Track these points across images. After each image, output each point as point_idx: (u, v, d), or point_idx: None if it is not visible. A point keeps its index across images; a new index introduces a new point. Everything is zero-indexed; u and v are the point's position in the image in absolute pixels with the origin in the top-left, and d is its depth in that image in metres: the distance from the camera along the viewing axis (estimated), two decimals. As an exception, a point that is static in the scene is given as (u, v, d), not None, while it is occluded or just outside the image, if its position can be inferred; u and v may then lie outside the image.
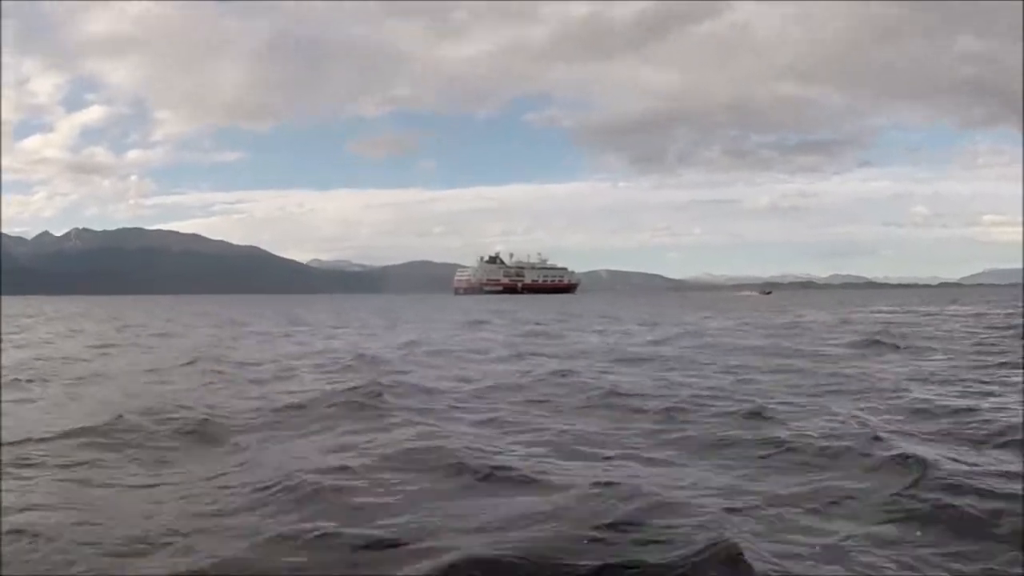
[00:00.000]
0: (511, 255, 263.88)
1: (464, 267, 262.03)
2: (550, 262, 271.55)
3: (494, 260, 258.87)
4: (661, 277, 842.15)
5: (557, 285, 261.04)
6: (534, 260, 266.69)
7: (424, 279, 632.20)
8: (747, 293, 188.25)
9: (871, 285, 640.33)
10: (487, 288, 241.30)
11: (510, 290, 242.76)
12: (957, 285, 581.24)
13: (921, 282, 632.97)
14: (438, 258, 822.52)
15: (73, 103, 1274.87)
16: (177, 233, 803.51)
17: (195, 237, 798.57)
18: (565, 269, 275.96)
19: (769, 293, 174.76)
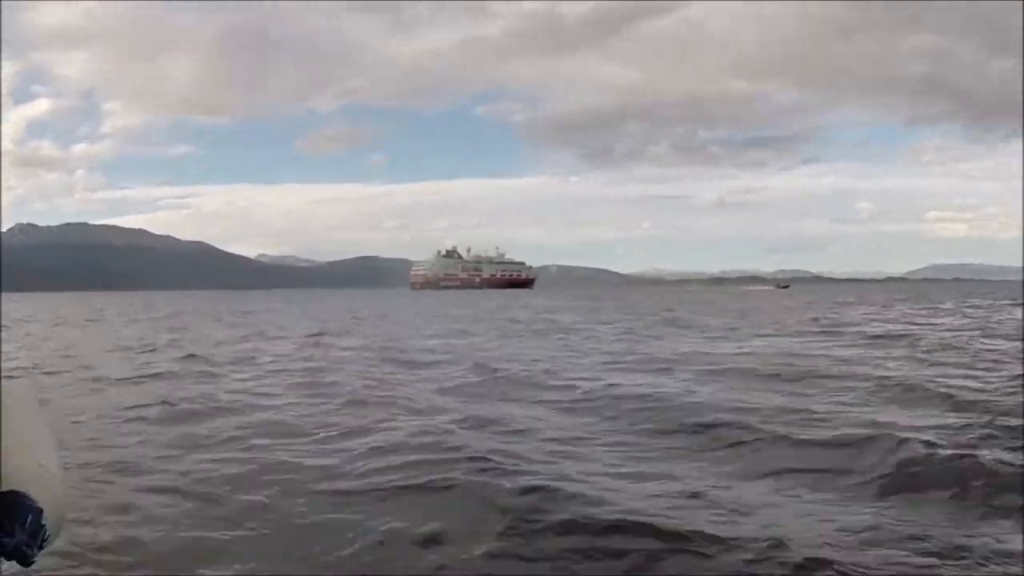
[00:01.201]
0: (468, 249, 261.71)
1: (419, 262, 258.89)
2: (508, 256, 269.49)
3: (451, 254, 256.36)
4: (610, 272, 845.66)
5: (515, 280, 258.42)
6: (491, 254, 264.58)
7: (372, 274, 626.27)
8: (759, 288, 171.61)
9: (818, 280, 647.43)
10: (444, 283, 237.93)
11: (467, 285, 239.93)
12: (903, 280, 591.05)
13: (867, 277, 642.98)
14: (387, 253, 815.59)
15: (20, 96, 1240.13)
16: (123, 228, 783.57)
17: (141, 232, 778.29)
18: (523, 263, 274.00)
19: (787, 287, 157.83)
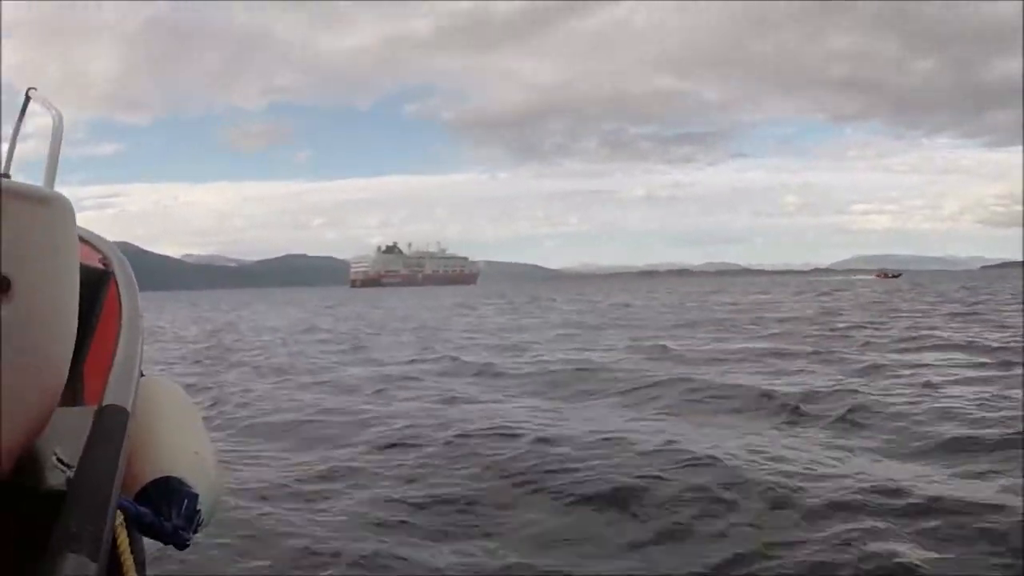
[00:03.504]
0: (409, 244, 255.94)
1: (360, 258, 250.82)
2: (449, 251, 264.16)
3: (392, 250, 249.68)
4: (539, 267, 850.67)
5: (457, 275, 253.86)
6: (433, 250, 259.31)
7: (300, 273, 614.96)
8: (862, 277, 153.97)
9: (746, 272, 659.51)
10: (386, 280, 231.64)
11: (409, 281, 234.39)
12: (828, 271, 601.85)
13: (794, 268, 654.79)
14: (314, 251, 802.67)
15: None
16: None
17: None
18: (466, 259, 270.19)
19: (898, 275, 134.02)
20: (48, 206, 1.10)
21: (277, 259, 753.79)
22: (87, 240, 2.00)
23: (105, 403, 1.17)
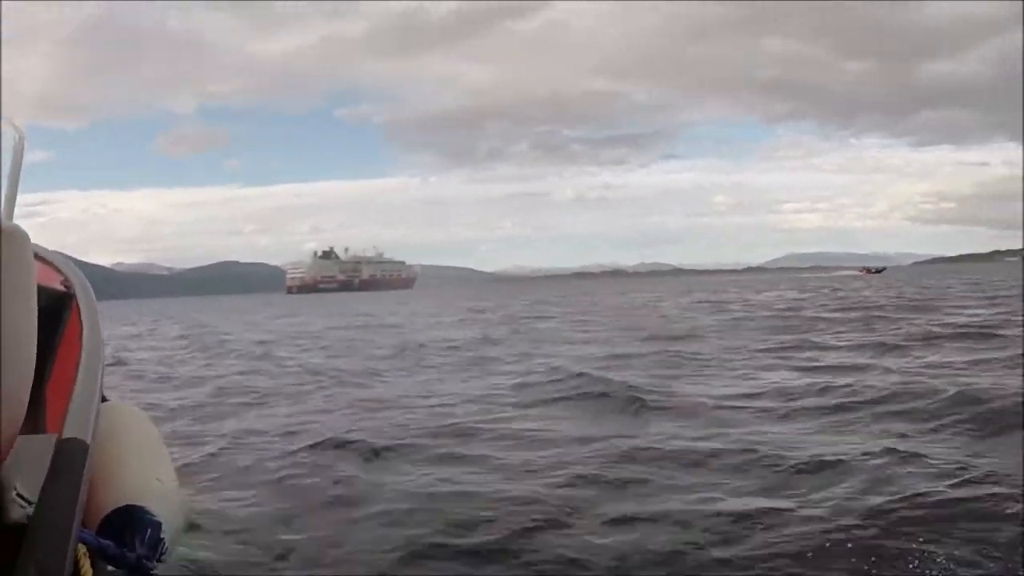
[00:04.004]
0: (346, 249, 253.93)
1: (296, 264, 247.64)
2: (386, 255, 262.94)
3: (328, 255, 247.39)
4: (474, 271, 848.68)
5: (395, 280, 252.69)
6: (370, 254, 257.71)
7: (233, 279, 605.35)
8: (847, 272, 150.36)
9: (679, 272, 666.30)
10: (322, 286, 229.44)
11: (346, 287, 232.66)
12: (761, 269, 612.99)
13: (727, 267, 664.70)
14: (247, 257, 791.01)
15: None
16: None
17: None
18: (403, 263, 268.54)
19: (881, 271, 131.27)
20: (2, 239, 1.14)
21: (210, 266, 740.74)
22: (49, 261, 1.98)
23: (65, 435, 1.15)
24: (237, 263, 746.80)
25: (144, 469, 1.33)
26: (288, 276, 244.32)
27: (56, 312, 1.67)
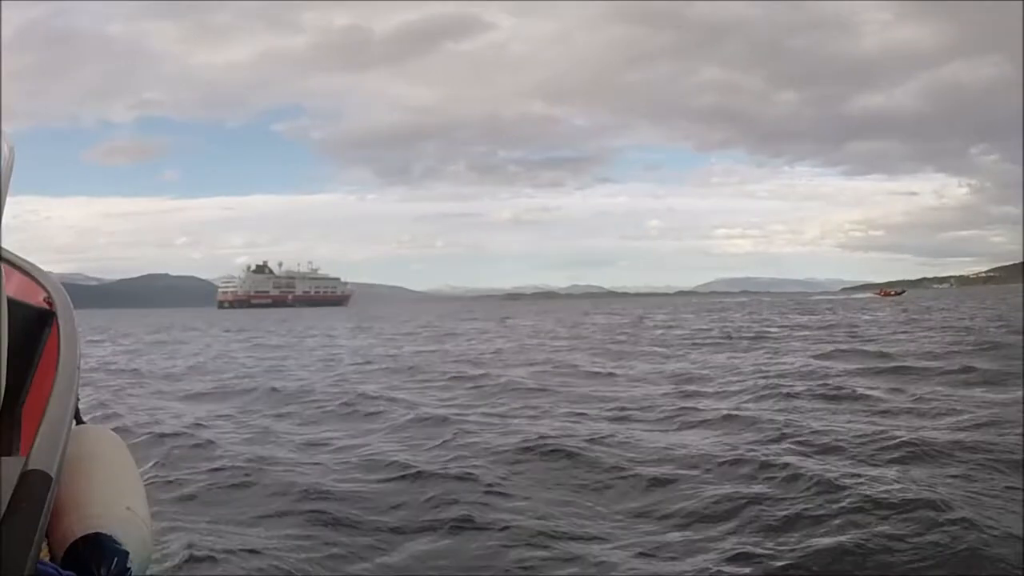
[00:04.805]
0: (280, 264, 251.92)
1: (228, 278, 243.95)
2: (321, 271, 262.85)
3: (262, 270, 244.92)
4: (405, 289, 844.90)
5: (329, 297, 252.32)
6: (304, 270, 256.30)
7: (163, 292, 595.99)
8: (866, 295, 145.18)
9: (611, 294, 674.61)
10: (255, 301, 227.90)
11: (279, 302, 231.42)
12: (692, 293, 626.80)
13: (659, 291, 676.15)
14: (176, 270, 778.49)
15: None
16: None
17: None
18: (337, 279, 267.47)
19: (901, 293, 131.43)
20: None
21: (139, 278, 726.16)
22: (33, 277, 1.94)
23: (31, 463, 1.12)
24: (167, 275, 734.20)
25: (114, 496, 1.30)
26: (220, 290, 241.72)
27: (37, 330, 1.64)
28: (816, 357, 19.75)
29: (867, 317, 46.15)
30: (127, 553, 1.21)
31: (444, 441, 9.57)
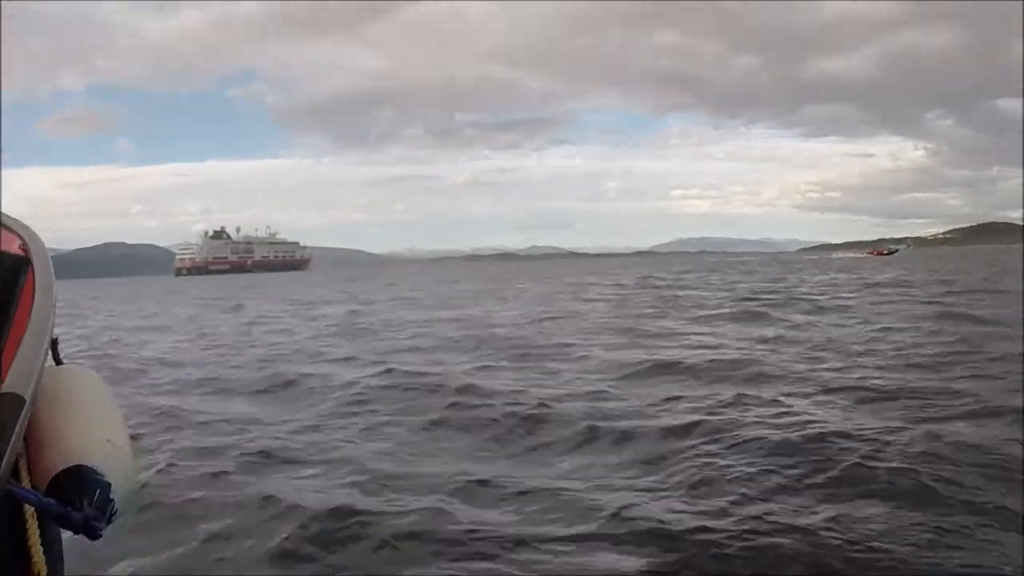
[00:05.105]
0: (238, 229, 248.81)
1: (185, 245, 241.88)
2: (279, 236, 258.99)
3: (220, 235, 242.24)
4: (363, 252, 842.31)
5: (288, 261, 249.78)
6: (263, 235, 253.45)
7: (119, 261, 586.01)
8: (854, 254, 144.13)
9: (571, 255, 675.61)
10: (214, 267, 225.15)
11: (238, 268, 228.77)
12: (651, 253, 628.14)
13: (618, 252, 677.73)
14: (133, 239, 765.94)
15: None
16: None
17: None
18: (297, 243, 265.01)
19: (895, 251, 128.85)
20: None
21: (95, 248, 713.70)
22: (7, 226, 1.83)
23: (3, 391, 1.13)
24: (124, 244, 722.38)
25: (95, 430, 1.29)
26: (178, 257, 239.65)
27: (14, 276, 1.61)
28: (939, 319, 18.49)
29: (891, 274, 43.32)
30: (109, 484, 1.19)
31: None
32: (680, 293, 34.74)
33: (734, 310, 23.50)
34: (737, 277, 51.72)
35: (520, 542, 5.44)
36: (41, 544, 1.11)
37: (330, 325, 25.12)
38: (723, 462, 6.97)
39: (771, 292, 32.59)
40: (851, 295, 29.65)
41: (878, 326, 17.74)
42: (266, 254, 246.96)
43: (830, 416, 8.54)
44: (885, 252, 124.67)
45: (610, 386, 11.35)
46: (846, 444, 7.16)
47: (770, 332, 17.36)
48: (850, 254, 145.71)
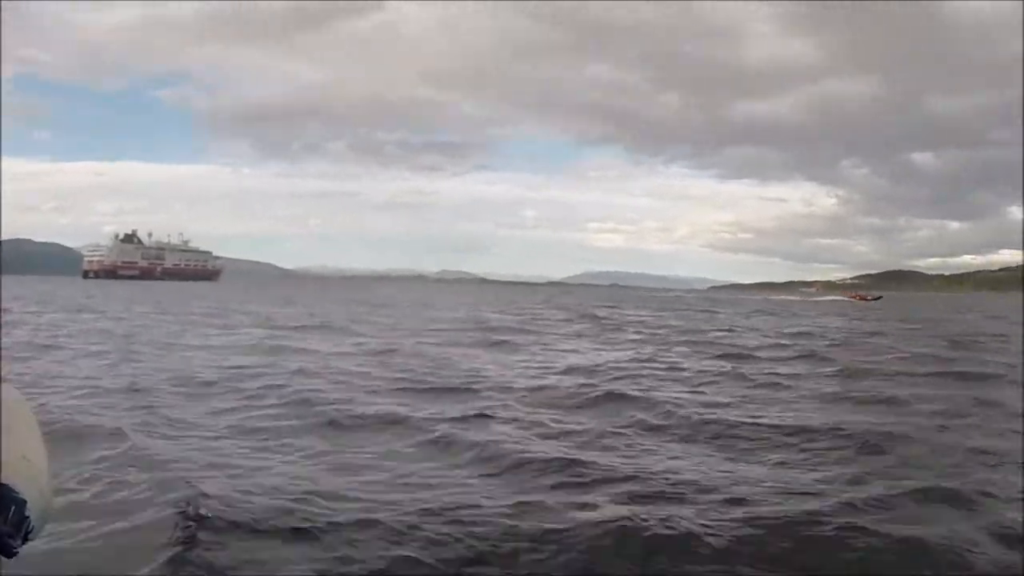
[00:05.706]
0: (149, 234, 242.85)
1: (95, 246, 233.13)
2: (192, 244, 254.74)
3: (131, 239, 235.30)
4: (274, 266, 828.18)
5: (199, 270, 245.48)
6: (175, 241, 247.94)
7: (23, 259, 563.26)
8: (835, 297, 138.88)
9: (483, 281, 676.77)
10: (123, 272, 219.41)
11: (148, 275, 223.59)
12: (562, 284, 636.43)
13: (531, 280, 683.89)
14: (41, 236, 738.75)
15: None
16: None
17: None
18: (209, 253, 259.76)
19: (878, 298, 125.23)
20: None
21: (5, 243, 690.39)
22: None
23: None
24: (30, 241, 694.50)
25: (11, 447, 1.26)
26: (85, 259, 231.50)
27: None
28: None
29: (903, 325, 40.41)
30: (25, 502, 1.18)
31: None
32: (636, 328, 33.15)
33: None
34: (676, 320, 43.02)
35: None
36: None
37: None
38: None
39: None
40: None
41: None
42: (177, 262, 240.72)
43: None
44: (870, 298, 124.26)
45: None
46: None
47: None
48: (836, 296, 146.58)
